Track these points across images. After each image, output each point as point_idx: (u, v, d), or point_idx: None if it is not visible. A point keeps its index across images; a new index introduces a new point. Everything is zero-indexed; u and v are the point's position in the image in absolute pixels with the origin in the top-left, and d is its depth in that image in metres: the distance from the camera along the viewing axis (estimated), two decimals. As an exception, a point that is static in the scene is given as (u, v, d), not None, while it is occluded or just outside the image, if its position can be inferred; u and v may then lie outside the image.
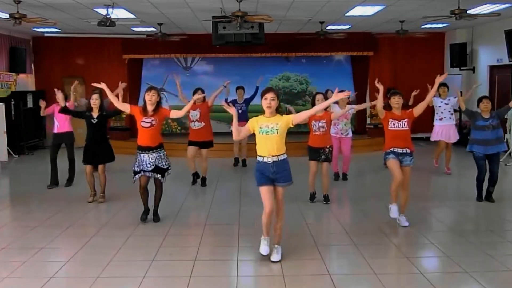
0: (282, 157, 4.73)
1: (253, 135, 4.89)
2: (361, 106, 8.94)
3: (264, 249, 4.84)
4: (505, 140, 10.79)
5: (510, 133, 10.66)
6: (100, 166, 7.33)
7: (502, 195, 7.84)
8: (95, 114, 7.27)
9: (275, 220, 4.87)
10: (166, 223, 6.18)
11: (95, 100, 7.25)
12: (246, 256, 4.96)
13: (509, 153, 10.65)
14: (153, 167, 6.09)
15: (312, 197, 7.25)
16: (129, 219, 6.41)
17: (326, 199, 7.21)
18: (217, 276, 4.56)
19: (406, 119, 5.89)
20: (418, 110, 5.94)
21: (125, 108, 6.22)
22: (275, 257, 4.83)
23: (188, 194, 7.97)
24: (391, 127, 5.90)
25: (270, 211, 4.74)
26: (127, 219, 6.40)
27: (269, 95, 4.70)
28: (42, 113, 8.67)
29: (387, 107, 6.00)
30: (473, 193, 7.36)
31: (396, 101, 5.91)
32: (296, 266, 4.74)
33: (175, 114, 6.25)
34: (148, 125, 6.07)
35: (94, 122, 7.23)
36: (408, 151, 5.91)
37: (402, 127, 5.88)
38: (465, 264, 4.66)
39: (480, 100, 7.17)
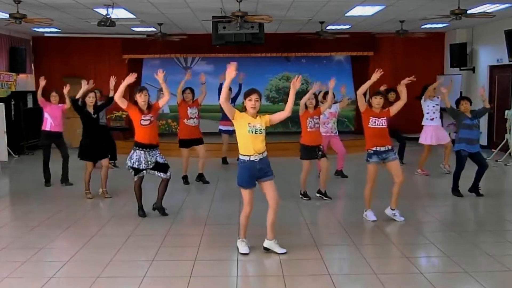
0: (265, 154, 4.90)
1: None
2: (343, 104, 8.91)
3: (244, 249, 5.00)
4: (505, 140, 10.82)
5: (510, 133, 10.65)
6: (106, 160, 7.55)
7: (502, 195, 7.85)
8: (91, 110, 7.41)
9: (270, 216, 4.98)
10: (166, 223, 6.17)
11: (92, 98, 7.43)
12: (246, 256, 4.95)
13: (509, 153, 10.65)
14: (153, 164, 6.26)
15: (305, 195, 7.32)
16: (129, 218, 6.41)
17: (326, 195, 7.33)
18: (217, 276, 4.56)
19: (384, 118, 6.02)
20: (394, 109, 6.10)
21: (123, 102, 6.17)
22: (281, 249, 4.98)
23: (188, 194, 7.97)
24: (371, 124, 6.01)
25: (250, 213, 4.94)
26: (127, 219, 6.40)
27: (254, 96, 4.80)
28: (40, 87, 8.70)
29: (369, 105, 6.13)
30: (473, 193, 7.38)
31: (377, 101, 6.05)
32: (296, 266, 4.75)
33: (162, 102, 6.43)
34: (148, 122, 6.22)
35: (95, 117, 7.42)
36: (390, 147, 6.05)
37: (382, 125, 6.01)
38: (465, 264, 4.65)
39: (458, 101, 7.38)
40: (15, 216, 6.95)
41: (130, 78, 6.11)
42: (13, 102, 12.22)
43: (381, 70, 6.09)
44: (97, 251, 5.19)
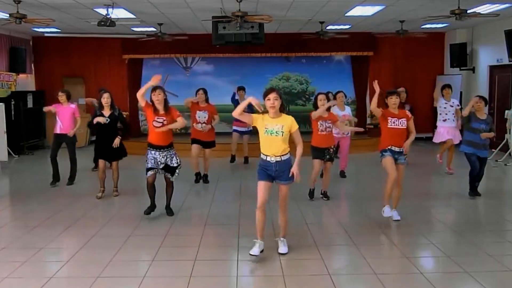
0: (285, 157, 4.81)
1: (256, 132, 4.94)
2: (354, 129, 8.79)
3: (255, 250, 4.85)
4: (505, 140, 10.82)
5: (510, 133, 10.66)
6: (114, 163, 7.53)
7: (502, 195, 7.85)
8: (106, 113, 7.37)
9: (280, 216, 5.03)
10: (166, 223, 6.18)
11: (106, 99, 7.35)
12: (246, 256, 4.93)
13: (509, 153, 10.65)
14: (163, 165, 6.27)
15: (312, 194, 7.30)
16: (130, 218, 6.41)
17: (326, 195, 7.32)
18: (217, 276, 4.56)
19: (404, 118, 5.94)
20: (409, 127, 6.00)
21: (142, 102, 6.20)
22: (283, 249, 4.99)
23: (188, 194, 7.97)
24: (391, 125, 5.92)
25: (262, 204, 4.82)
26: (127, 219, 6.41)
27: (272, 95, 4.74)
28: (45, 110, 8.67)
29: (385, 106, 6.06)
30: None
31: (393, 101, 5.95)
32: (296, 266, 4.75)
33: (180, 123, 6.35)
34: (160, 124, 6.22)
35: (107, 122, 7.33)
36: (403, 150, 5.99)
37: (402, 126, 5.93)
38: (465, 264, 4.66)
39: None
40: (15, 216, 6.95)
41: (154, 81, 6.09)
42: (13, 102, 12.23)
43: (377, 80, 6.20)
44: (97, 251, 5.19)
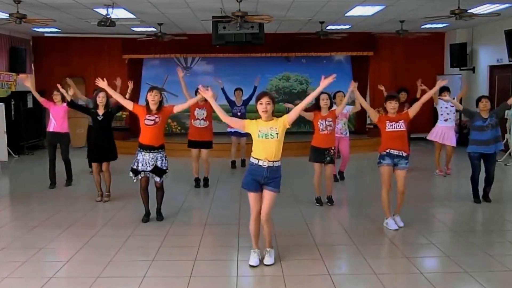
0: (277, 164, 4.63)
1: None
2: (355, 109, 8.78)
3: (253, 260, 4.74)
4: (505, 140, 10.82)
5: (510, 133, 10.66)
6: (105, 164, 7.38)
7: (502, 195, 7.84)
8: (101, 111, 7.28)
9: (263, 226, 4.74)
10: (166, 223, 6.18)
11: (101, 98, 7.25)
12: (246, 256, 4.92)
13: (509, 153, 10.65)
14: (152, 167, 6.09)
15: (319, 201, 7.08)
16: (129, 219, 6.41)
17: (331, 200, 7.12)
18: (217, 276, 4.56)
19: (402, 120, 5.82)
20: (413, 111, 5.93)
21: (129, 105, 6.15)
22: (268, 260, 4.78)
23: (188, 194, 7.97)
24: (388, 128, 5.79)
25: (256, 215, 4.70)
26: (127, 219, 6.41)
27: (264, 100, 4.57)
28: (33, 91, 8.65)
29: (383, 111, 5.94)
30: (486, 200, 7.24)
31: (392, 106, 5.79)
32: (296, 266, 4.74)
33: (178, 108, 6.23)
34: (152, 122, 6.05)
35: (100, 119, 7.27)
36: (404, 154, 5.80)
37: (400, 128, 5.78)
38: (465, 264, 4.66)
39: (479, 99, 7.16)
40: (15, 216, 6.95)
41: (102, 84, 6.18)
42: (13, 102, 12.24)
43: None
44: (97, 251, 5.19)
